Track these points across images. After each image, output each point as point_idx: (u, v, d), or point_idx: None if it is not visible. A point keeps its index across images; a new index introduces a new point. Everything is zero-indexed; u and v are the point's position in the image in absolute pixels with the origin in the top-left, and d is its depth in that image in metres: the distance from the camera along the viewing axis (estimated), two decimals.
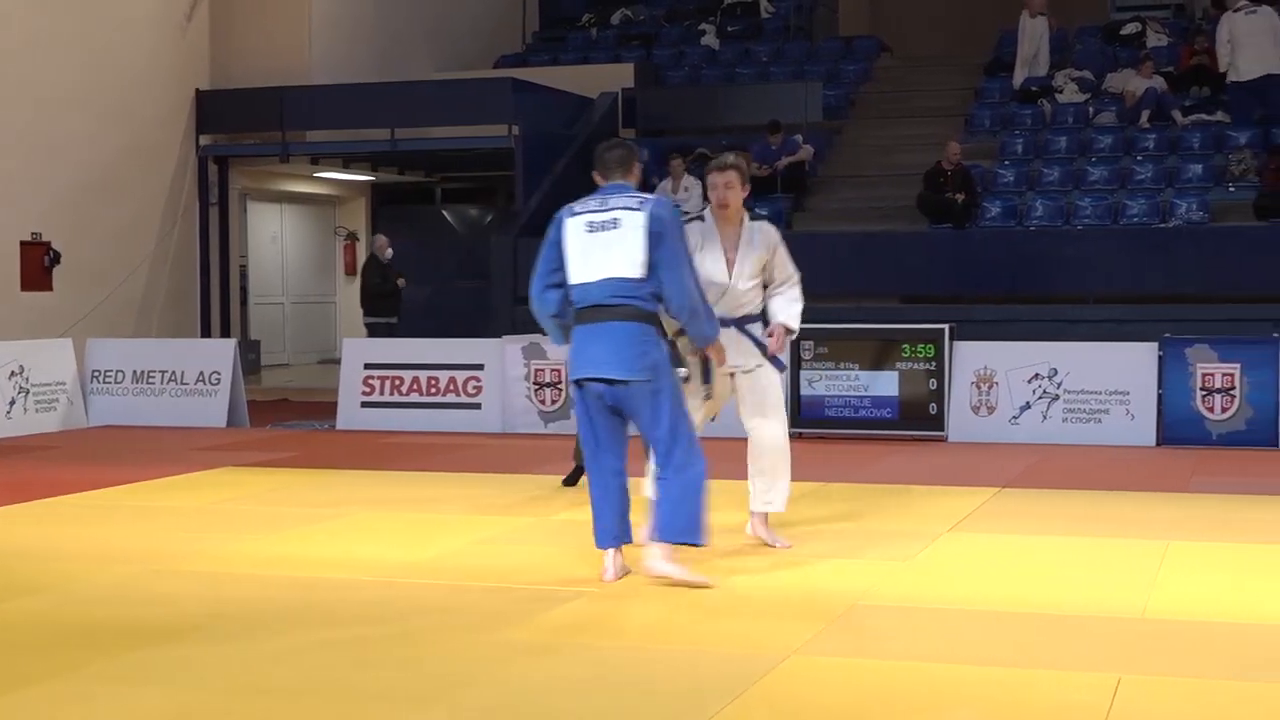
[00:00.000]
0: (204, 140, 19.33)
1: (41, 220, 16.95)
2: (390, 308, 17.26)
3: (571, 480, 10.18)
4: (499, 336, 14.92)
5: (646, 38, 22.88)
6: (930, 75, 20.75)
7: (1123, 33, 20.12)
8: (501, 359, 14.21)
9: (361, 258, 22.55)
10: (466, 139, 18.87)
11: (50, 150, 17.01)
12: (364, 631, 6.27)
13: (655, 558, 6.97)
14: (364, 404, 14.68)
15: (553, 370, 13.57)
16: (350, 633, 6.25)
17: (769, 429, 7.87)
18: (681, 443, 7.05)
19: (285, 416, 15.69)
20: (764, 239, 7.79)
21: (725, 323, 7.48)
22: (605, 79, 20.23)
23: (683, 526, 6.99)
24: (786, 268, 7.81)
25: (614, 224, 6.95)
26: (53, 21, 17.09)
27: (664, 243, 6.86)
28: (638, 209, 6.93)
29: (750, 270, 7.72)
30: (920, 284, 15.98)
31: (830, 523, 8.98)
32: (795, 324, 7.77)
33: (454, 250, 22.30)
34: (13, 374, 14.24)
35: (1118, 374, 12.99)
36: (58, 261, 17.02)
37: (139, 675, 5.63)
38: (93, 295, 17.29)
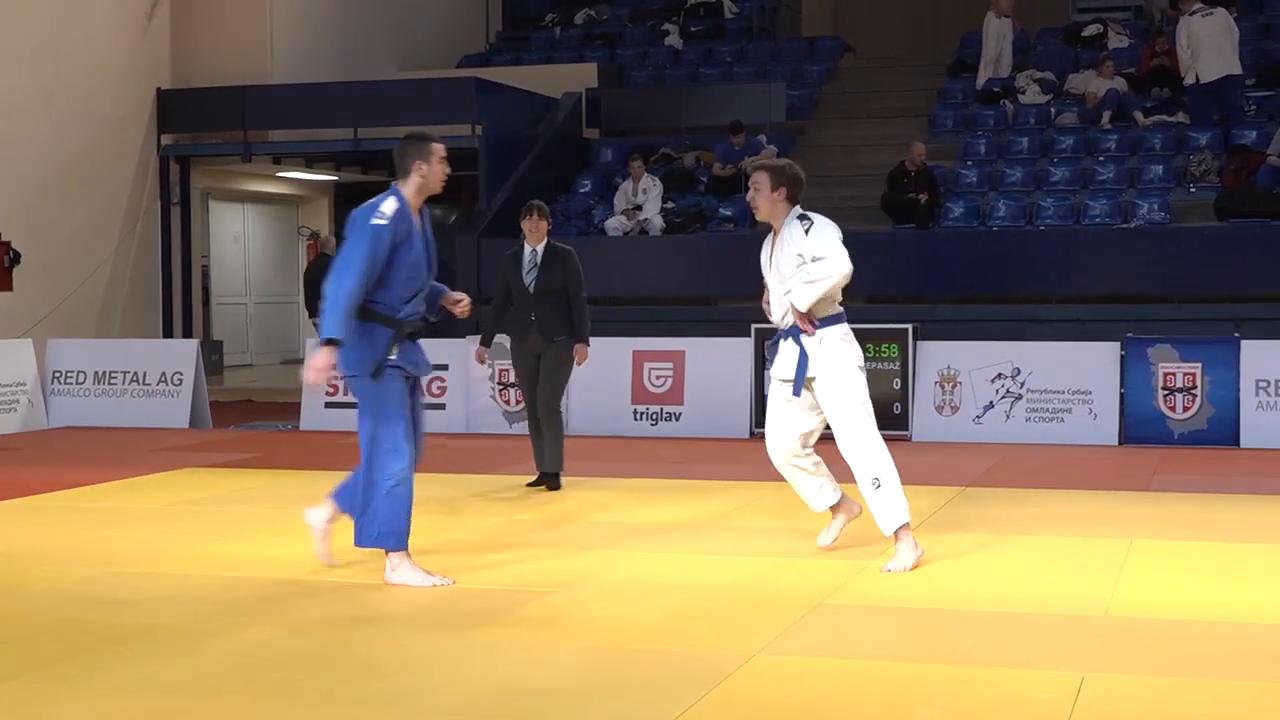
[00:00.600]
0: (165, 140, 19.22)
1: (1, 220, 16.82)
2: None
3: (538, 482, 10.21)
4: (463, 336, 14.88)
5: (610, 38, 22.86)
6: (893, 76, 20.79)
7: (1084, 34, 20.20)
8: (466, 359, 14.17)
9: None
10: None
11: (9, 150, 16.88)
12: (328, 632, 6.24)
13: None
14: (327, 404, 14.62)
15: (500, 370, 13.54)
16: (313, 633, 6.22)
17: (840, 445, 7.51)
18: (372, 450, 7.12)
19: (248, 417, 15.62)
20: (793, 235, 7.46)
21: (782, 333, 7.57)
22: (569, 79, 20.21)
23: (374, 532, 7.08)
24: (818, 251, 7.42)
25: None
26: (12, 21, 16.96)
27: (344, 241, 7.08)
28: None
29: (784, 273, 7.48)
30: (884, 284, 15.99)
31: (795, 522, 8.99)
32: (801, 300, 7.37)
33: None
34: None
35: (1080, 373, 13.05)
36: (18, 261, 16.90)
37: (97, 677, 5.58)
38: (53, 295, 17.17)
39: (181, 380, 14.72)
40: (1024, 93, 18.89)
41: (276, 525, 8.85)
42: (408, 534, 7.08)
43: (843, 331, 7.61)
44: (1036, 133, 18.22)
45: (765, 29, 23.05)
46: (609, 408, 13.80)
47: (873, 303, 15.94)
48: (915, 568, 7.33)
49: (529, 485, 10.23)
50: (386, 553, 7.10)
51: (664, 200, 17.45)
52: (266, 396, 17.56)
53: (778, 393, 7.63)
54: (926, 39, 22.53)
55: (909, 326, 13.49)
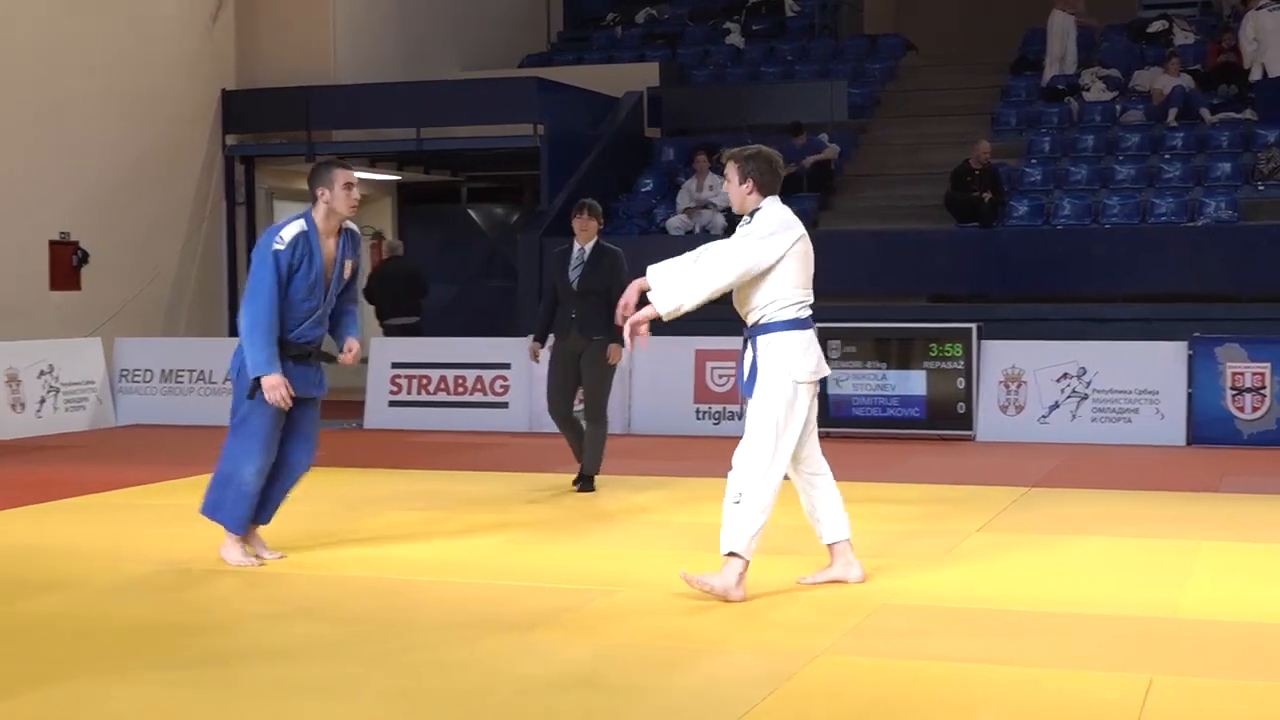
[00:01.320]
0: (230, 140, 19.36)
1: (70, 220, 16.99)
2: (412, 307, 17.20)
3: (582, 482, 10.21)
4: (526, 335, 14.91)
5: (671, 37, 22.84)
6: (956, 74, 20.67)
7: (1150, 30, 20.02)
8: (528, 358, 14.19)
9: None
10: (492, 138, 18.86)
11: (78, 151, 17.05)
12: (393, 630, 6.27)
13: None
14: (391, 403, 14.71)
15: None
16: (376, 631, 6.25)
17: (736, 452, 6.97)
18: (227, 450, 7.52)
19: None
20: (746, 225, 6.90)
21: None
22: (630, 78, 20.20)
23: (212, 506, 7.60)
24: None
25: None
26: (80, 23, 17.13)
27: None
28: None
29: None
30: (947, 283, 15.92)
31: (858, 522, 8.93)
32: (651, 275, 6.79)
33: (480, 249, 22.31)
34: (42, 373, 14.30)
35: (1147, 373, 12.94)
36: (86, 261, 17.07)
37: (159, 673, 5.63)
38: (121, 294, 17.33)
39: None
40: (1089, 90, 18.73)
41: (341, 523, 8.89)
42: (242, 522, 7.52)
43: (791, 342, 6.85)
44: (1102, 130, 18.07)
45: (827, 27, 22.97)
46: (671, 407, 13.81)
47: (936, 302, 15.88)
48: (722, 598, 6.64)
49: (575, 484, 10.23)
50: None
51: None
52: (331, 395, 17.56)
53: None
54: (989, 36, 22.36)
55: (973, 326, 13.42)
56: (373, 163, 20.69)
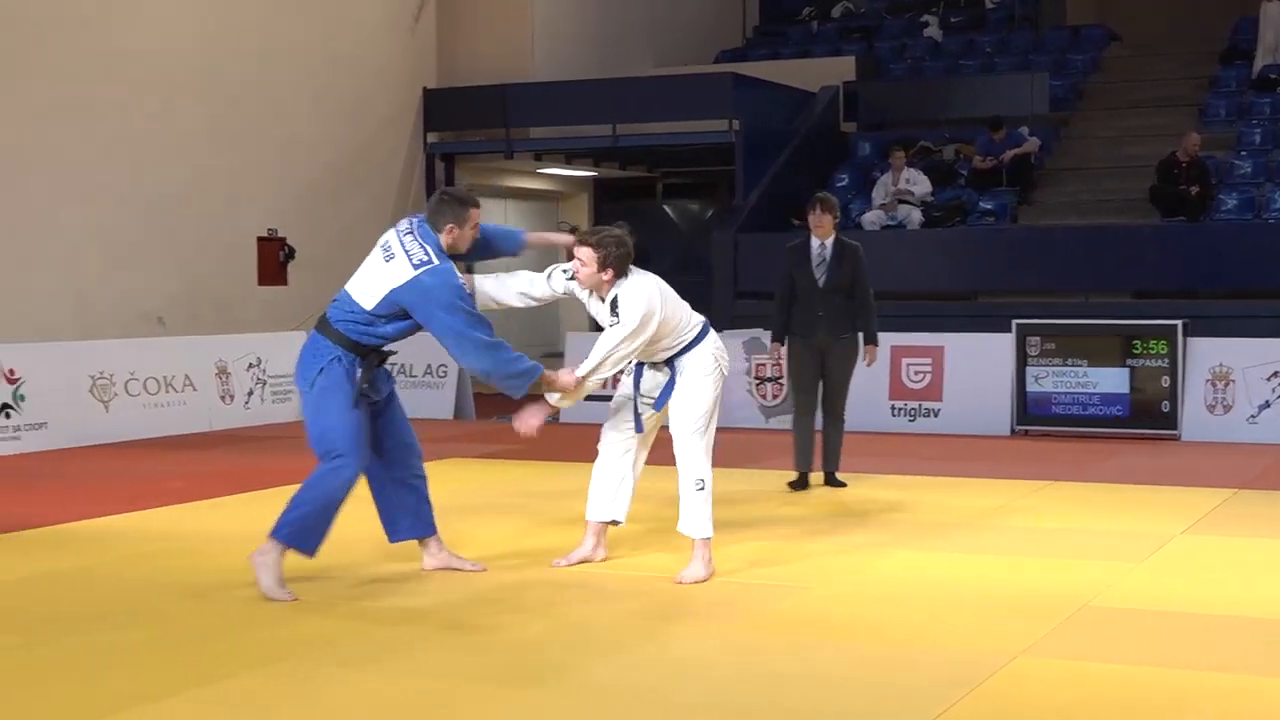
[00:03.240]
0: (432, 138, 19.71)
1: (277, 216, 17.46)
2: None
3: (799, 484, 10.07)
4: (720, 331, 14.92)
5: (868, 31, 22.67)
6: (1162, 64, 20.15)
7: None
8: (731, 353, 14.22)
9: None
10: (687, 134, 18.90)
11: (286, 149, 17.51)
12: (575, 621, 6.32)
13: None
14: (587, 397, 14.80)
15: (774, 365, 13.54)
16: (559, 619, 6.31)
17: (676, 448, 7.31)
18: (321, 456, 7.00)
19: (510, 409, 15.89)
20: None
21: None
22: (826, 73, 20.08)
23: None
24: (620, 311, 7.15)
25: (391, 254, 6.88)
26: (289, 26, 17.59)
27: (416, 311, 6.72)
28: (415, 266, 6.72)
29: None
30: (1152, 279, 15.52)
31: (1058, 522, 8.80)
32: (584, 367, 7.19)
33: (675, 245, 22.38)
34: (251, 365, 14.72)
35: None
36: (292, 256, 17.52)
37: (358, 659, 5.75)
38: (325, 290, 17.56)
39: (446, 372, 15.09)
40: None
41: (539, 514, 8.99)
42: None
43: (703, 354, 7.21)
44: None
45: (1027, 18, 22.58)
46: (866, 404, 13.67)
47: (1140, 298, 15.51)
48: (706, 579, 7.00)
49: (790, 485, 10.08)
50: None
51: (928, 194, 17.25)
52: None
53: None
54: (1197, 25, 21.75)
55: (1178, 323, 13.08)
56: (569, 159, 20.89)
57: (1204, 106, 18.46)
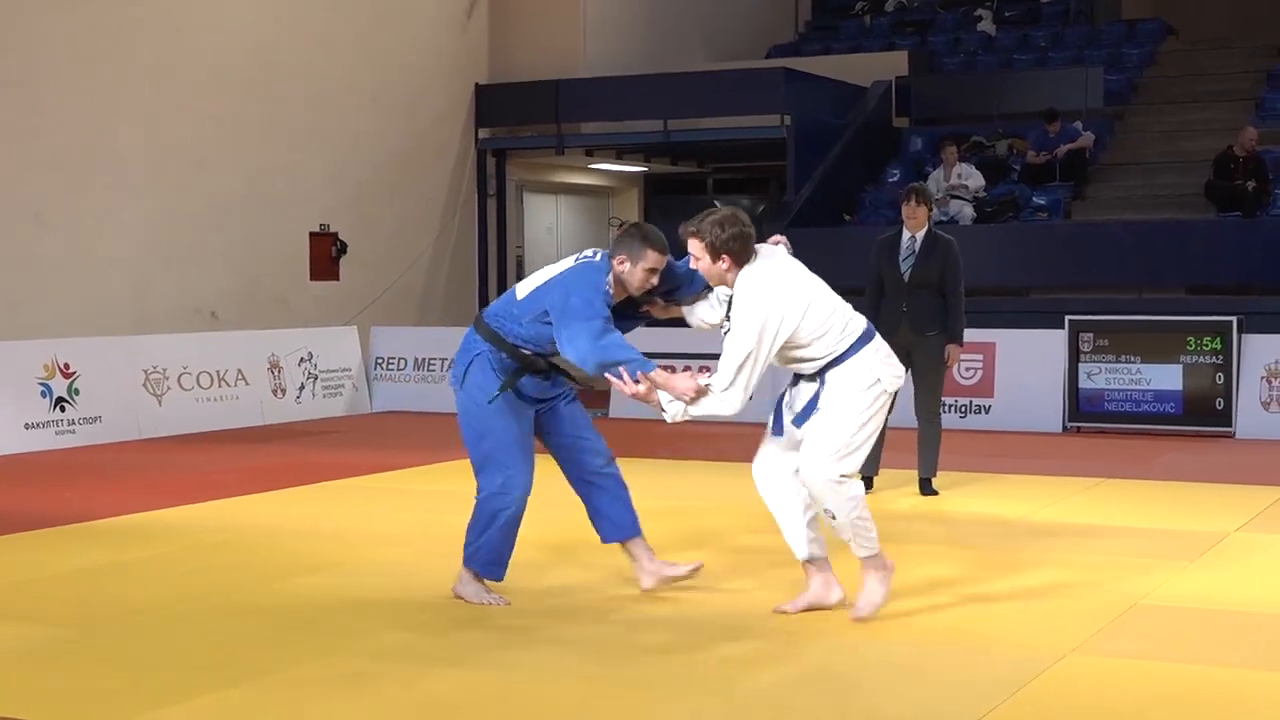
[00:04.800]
0: (483, 133, 19.77)
1: (329, 212, 17.58)
2: None
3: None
4: None
5: (921, 25, 22.56)
6: (1218, 58, 19.97)
7: None
8: None
9: None
10: (738, 129, 18.87)
11: (339, 145, 17.62)
12: (642, 623, 6.35)
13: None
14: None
15: None
16: (627, 623, 6.33)
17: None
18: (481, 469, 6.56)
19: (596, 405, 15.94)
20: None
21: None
22: (879, 67, 19.99)
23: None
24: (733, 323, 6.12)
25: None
26: (343, 27, 17.70)
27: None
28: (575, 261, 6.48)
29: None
30: (1207, 274, 15.41)
31: (1110, 520, 8.76)
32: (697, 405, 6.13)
33: None
34: (302, 360, 14.84)
35: None
36: (344, 252, 17.63)
37: (415, 654, 5.79)
38: (377, 284, 17.86)
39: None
40: None
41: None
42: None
43: (858, 365, 6.09)
44: None
45: (1082, 12, 22.42)
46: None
47: (1194, 293, 15.40)
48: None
49: None
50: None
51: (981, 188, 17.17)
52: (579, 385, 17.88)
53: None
54: (1254, 19, 21.56)
55: (1233, 319, 12.99)
56: (620, 154, 20.92)
57: (1261, 101, 18.29)
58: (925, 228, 9.46)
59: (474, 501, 6.57)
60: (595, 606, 6.55)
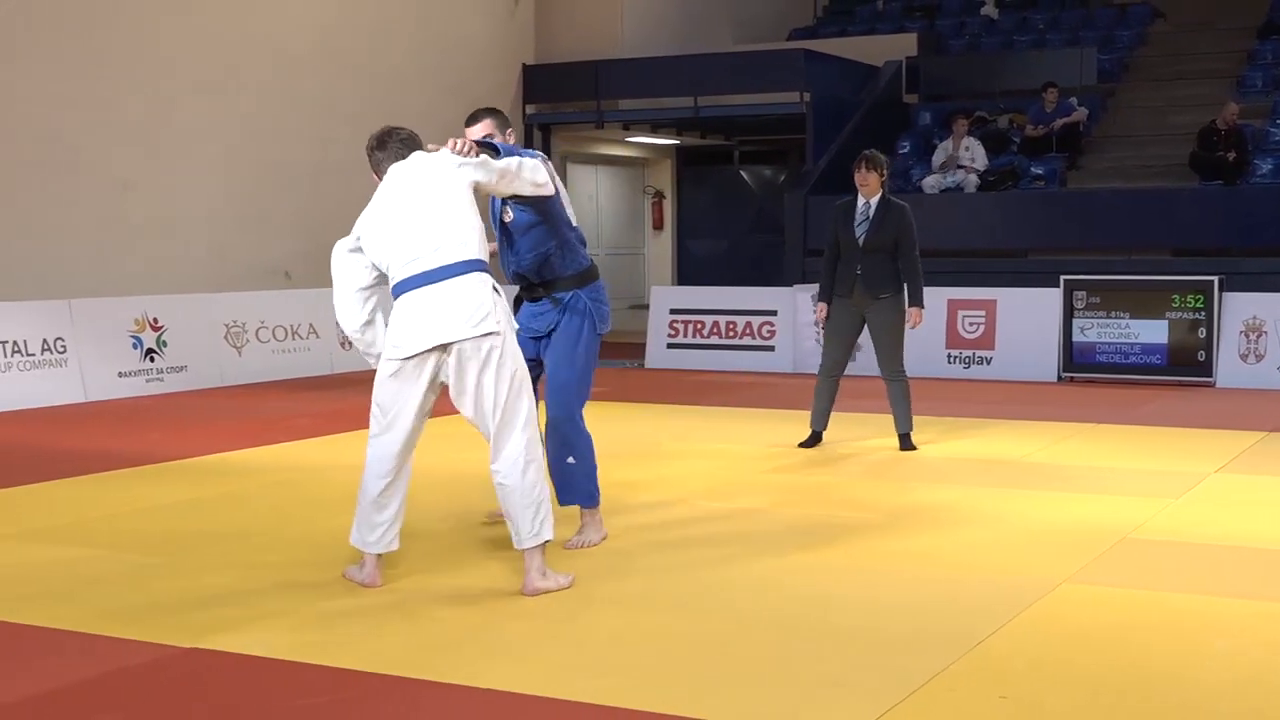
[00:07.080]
0: (530, 110, 19.73)
1: None
2: None
3: (809, 442, 9.29)
4: (790, 285, 14.90)
5: (930, 9, 22.40)
6: (1202, 39, 19.74)
7: None
8: (793, 305, 14.20)
9: (668, 215, 22.76)
10: (762, 105, 18.80)
11: (397, 120, 17.34)
12: (697, 565, 6.35)
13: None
14: (669, 345, 14.86)
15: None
16: (686, 562, 6.33)
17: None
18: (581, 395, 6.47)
19: (600, 355, 15.94)
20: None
21: None
22: (891, 48, 19.89)
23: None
24: None
25: None
26: (402, 12, 17.66)
27: None
28: None
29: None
30: (1191, 238, 15.27)
31: (1100, 461, 8.72)
32: None
33: (750, 207, 22.35)
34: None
35: None
36: None
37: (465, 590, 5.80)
38: None
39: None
40: None
41: (632, 454, 9.02)
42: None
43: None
44: None
45: None
46: (924, 353, 13.60)
47: (1178, 255, 15.28)
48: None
49: (800, 445, 9.24)
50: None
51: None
52: (616, 337, 17.72)
53: None
54: (1236, 3, 21.28)
55: (1214, 278, 12.88)
56: (654, 128, 20.86)
57: (1242, 78, 18.08)
58: (879, 194, 8.97)
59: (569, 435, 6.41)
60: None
